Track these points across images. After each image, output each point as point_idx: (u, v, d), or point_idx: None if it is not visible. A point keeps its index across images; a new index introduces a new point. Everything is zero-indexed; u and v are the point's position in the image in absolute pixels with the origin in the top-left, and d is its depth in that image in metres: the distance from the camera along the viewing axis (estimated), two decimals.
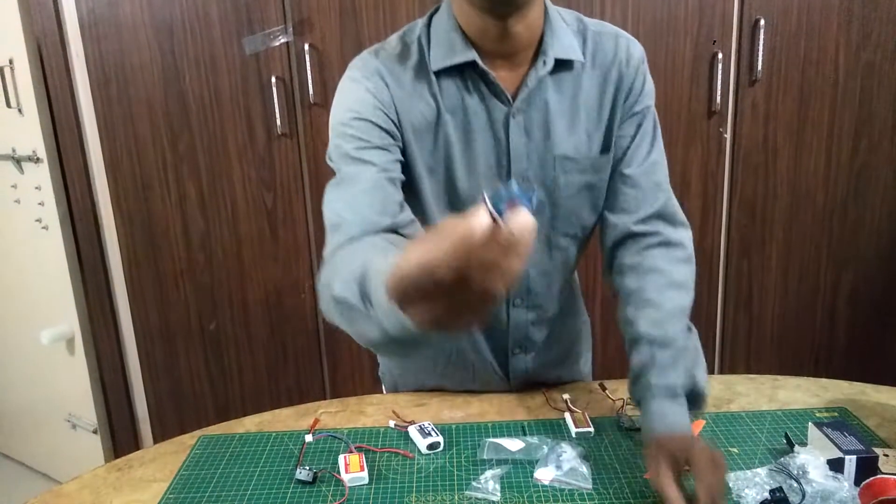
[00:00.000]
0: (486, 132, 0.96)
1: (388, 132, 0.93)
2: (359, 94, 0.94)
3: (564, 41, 0.95)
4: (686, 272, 1.00)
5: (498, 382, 1.17)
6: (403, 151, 0.96)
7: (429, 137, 0.96)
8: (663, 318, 0.95)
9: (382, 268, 0.60)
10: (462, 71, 0.94)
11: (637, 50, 1.00)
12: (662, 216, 1.01)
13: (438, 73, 0.94)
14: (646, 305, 0.96)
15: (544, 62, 0.93)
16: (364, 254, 0.76)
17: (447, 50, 0.93)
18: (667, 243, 1.00)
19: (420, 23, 0.97)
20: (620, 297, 1.02)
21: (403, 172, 0.95)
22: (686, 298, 0.98)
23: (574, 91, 0.97)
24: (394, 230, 0.88)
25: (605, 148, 1.00)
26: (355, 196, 0.89)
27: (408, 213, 0.92)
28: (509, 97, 0.95)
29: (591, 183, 1.01)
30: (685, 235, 1.03)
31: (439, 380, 1.18)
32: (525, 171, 0.98)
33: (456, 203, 0.98)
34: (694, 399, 0.93)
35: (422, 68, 0.95)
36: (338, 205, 0.90)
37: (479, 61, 0.92)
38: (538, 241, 1.02)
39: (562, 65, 0.95)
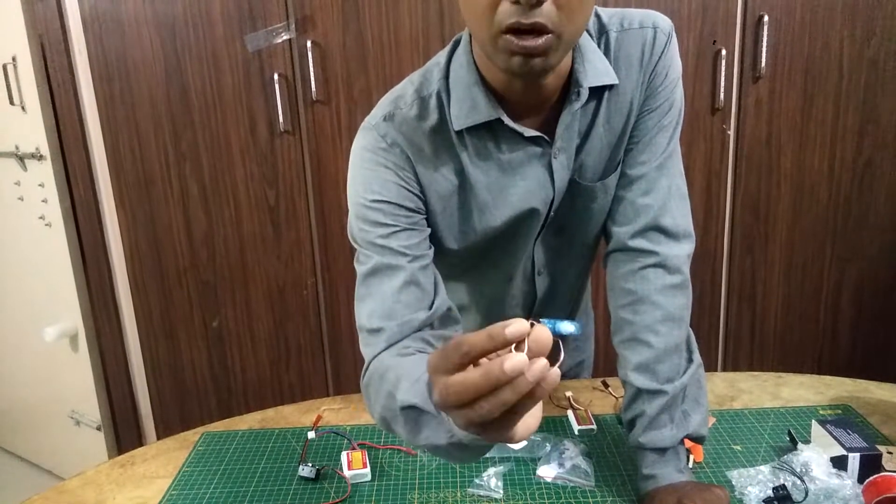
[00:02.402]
0: (524, 179, 0.89)
1: (414, 210, 0.87)
2: (379, 173, 0.86)
3: (598, 66, 0.86)
4: (681, 303, 0.92)
5: None
6: (428, 218, 0.90)
7: (455, 200, 0.90)
8: (655, 360, 0.89)
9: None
10: (490, 124, 0.85)
11: (661, 31, 0.88)
12: (662, 229, 0.91)
13: (465, 130, 0.86)
14: (638, 344, 0.90)
15: (578, 93, 0.84)
16: (415, 363, 0.75)
17: (469, 108, 0.84)
18: (663, 265, 0.91)
19: (437, 73, 0.88)
20: (613, 321, 0.96)
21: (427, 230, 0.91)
22: (681, 333, 0.91)
23: (605, 111, 0.89)
24: (431, 323, 0.85)
25: (619, 163, 0.93)
26: (388, 298, 0.84)
27: (443, 299, 0.87)
28: (547, 139, 0.87)
29: (603, 205, 0.95)
30: (684, 252, 0.92)
31: None
32: (561, 205, 0.93)
33: (491, 248, 0.95)
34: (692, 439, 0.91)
35: (442, 127, 0.87)
36: (372, 306, 0.85)
37: (508, 120, 0.84)
38: (560, 261, 1.01)
39: (597, 90, 0.87)
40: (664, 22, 0.88)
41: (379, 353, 0.82)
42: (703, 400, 0.92)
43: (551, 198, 0.91)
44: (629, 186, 0.92)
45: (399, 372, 0.75)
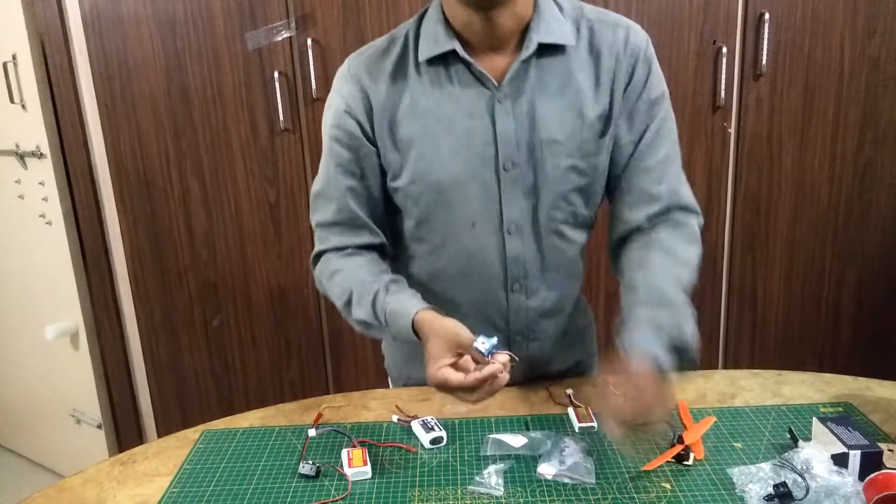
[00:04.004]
0: (470, 118, 0.99)
1: (357, 137, 1.02)
2: (336, 101, 1.04)
3: (553, 26, 0.97)
4: (692, 252, 1.02)
5: None
6: (380, 146, 1.03)
7: (406, 127, 1.01)
8: (661, 283, 0.95)
9: (402, 306, 0.98)
10: (447, 60, 0.98)
11: (637, 37, 1.00)
12: (673, 208, 1.04)
13: (426, 64, 0.99)
14: (646, 269, 0.98)
15: (527, 46, 0.96)
16: (361, 275, 1.05)
17: (432, 41, 0.98)
18: (675, 224, 1.04)
19: (414, 18, 1.03)
20: (623, 270, 1.03)
21: (384, 166, 1.04)
22: (689, 274, 0.99)
23: (565, 75, 0.98)
24: (363, 245, 1.08)
25: (602, 133, 1.00)
26: (326, 221, 1.08)
27: (373, 236, 1.08)
28: (494, 83, 0.97)
29: (578, 167, 1.01)
30: (695, 221, 1.06)
31: None
32: (513, 156, 0.99)
33: (442, 187, 1.01)
34: (680, 350, 0.91)
35: (403, 60, 1.01)
36: (319, 218, 1.09)
37: (460, 50, 0.96)
38: (532, 225, 1.04)
39: (551, 50, 0.97)
40: (640, 30, 1.02)
41: (325, 251, 1.08)
42: (691, 321, 0.93)
43: (493, 138, 0.99)
44: (642, 176, 1.03)
45: (346, 283, 1.04)
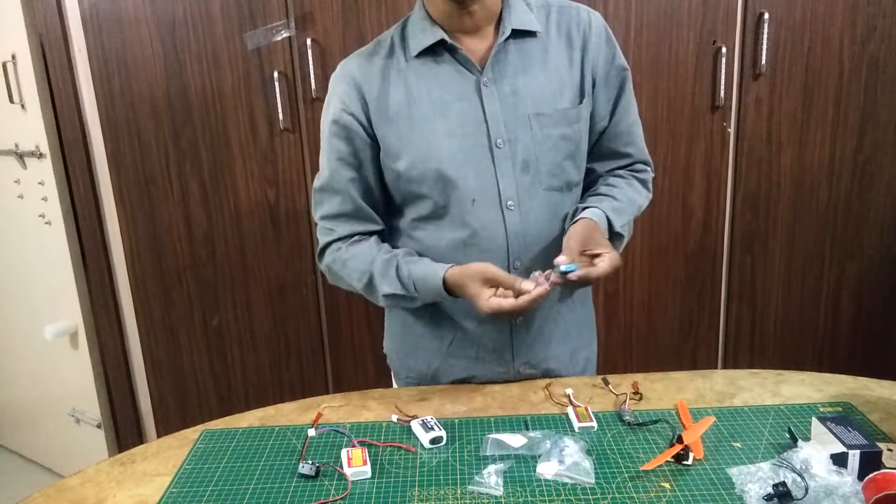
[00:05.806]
0: (460, 101, 1.09)
1: (355, 130, 1.11)
2: (332, 101, 1.13)
3: (522, 16, 1.10)
4: (644, 194, 1.22)
5: (501, 363, 1.18)
6: (380, 136, 1.11)
7: (403, 114, 1.09)
8: (616, 190, 1.17)
9: (427, 270, 1.09)
10: (435, 51, 1.09)
11: (599, 18, 1.15)
12: (637, 162, 1.22)
13: (415, 58, 1.10)
14: (606, 182, 1.19)
15: (503, 32, 1.08)
16: (375, 256, 1.13)
17: (420, 35, 1.10)
18: (636, 171, 1.22)
19: (398, 24, 1.15)
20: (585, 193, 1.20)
21: (384, 153, 1.12)
22: (639, 201, 1.20)
23: (542, 56, 1.11)
24: (366, 233, 1.16)
25: (579, 100, 1.12)
26: (333, 212, 1.15)
27: (373, 226, 1.17)
28: (479, 68, 1.09)
29: (566, 134, 1.11)
30: (651, 173, 1.25)
31: (445, 359, 1.20)
32: (503, 133, 1.08)
33: (441, 167, 1.09)
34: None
35: (392, 58, 1.12)
36: (325, 210, 1.16)
37: (447, 37, 1.07)
38: (530, 200, 1.12)
39: (524, 35, 1.10)
40: (599, 16, 1.15)
41: (332, 242, 1.16)
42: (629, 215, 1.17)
43: (483, 118, 1.08)
44: (616, 139, 1.19)
45: (362, 266, 1.12)
